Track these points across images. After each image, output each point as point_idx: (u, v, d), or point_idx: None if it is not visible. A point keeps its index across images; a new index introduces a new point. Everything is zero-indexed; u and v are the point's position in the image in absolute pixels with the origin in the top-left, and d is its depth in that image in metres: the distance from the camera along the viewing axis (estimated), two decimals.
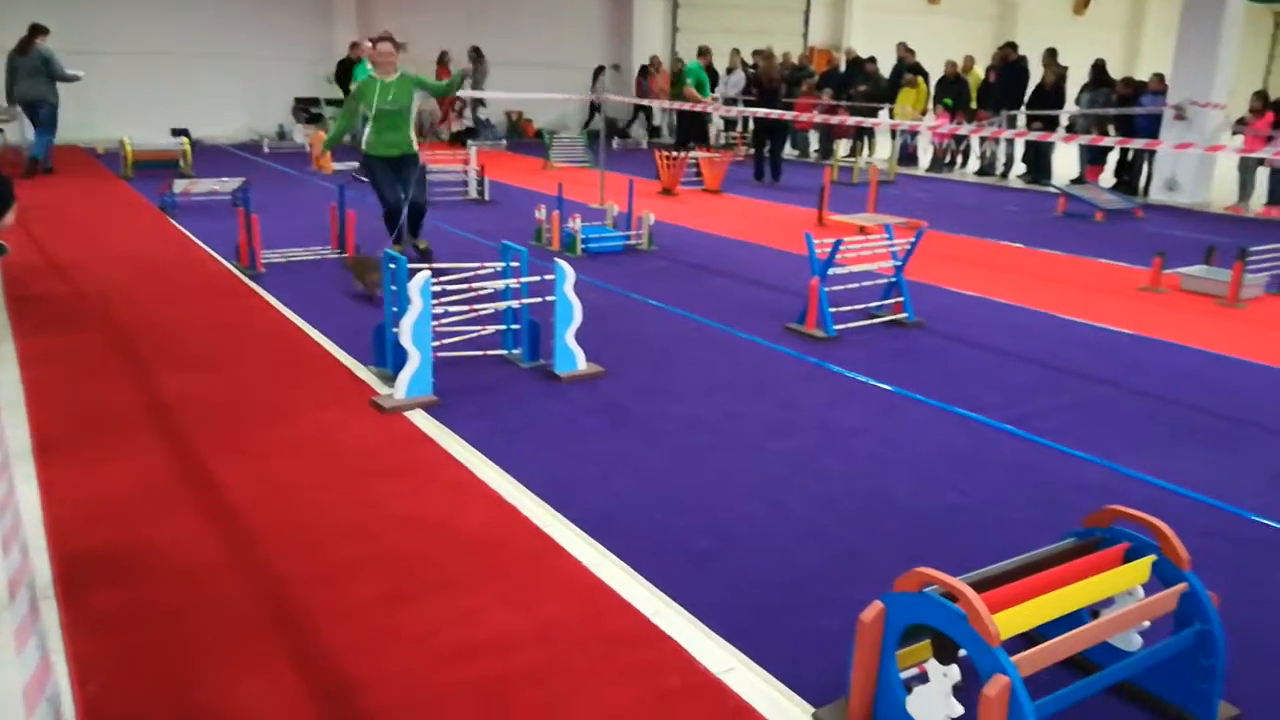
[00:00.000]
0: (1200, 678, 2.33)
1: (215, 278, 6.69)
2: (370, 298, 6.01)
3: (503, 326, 5.05)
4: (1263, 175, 11.88)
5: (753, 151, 13.61)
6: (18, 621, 1.59)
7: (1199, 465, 3.95)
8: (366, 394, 4.47)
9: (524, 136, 18.23)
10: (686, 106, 12.73)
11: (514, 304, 4.92)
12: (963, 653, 2.11)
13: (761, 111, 11.08)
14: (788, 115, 11.49)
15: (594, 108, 18.70)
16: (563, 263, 4.67)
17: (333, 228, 7.43)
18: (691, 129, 15.12)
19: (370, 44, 6.94)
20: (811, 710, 2.37)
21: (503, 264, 4.94)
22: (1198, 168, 12.38)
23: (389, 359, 4.65)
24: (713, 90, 16.39)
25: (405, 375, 4.32)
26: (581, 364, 4.80)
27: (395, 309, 4.51)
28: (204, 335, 5.32)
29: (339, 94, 16.35)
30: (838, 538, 3.27)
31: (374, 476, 3.63)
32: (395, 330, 4.44)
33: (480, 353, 4.97)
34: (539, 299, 4.85)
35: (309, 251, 7.44)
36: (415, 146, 7.07)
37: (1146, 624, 2.41)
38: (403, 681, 2.44)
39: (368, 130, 6.89)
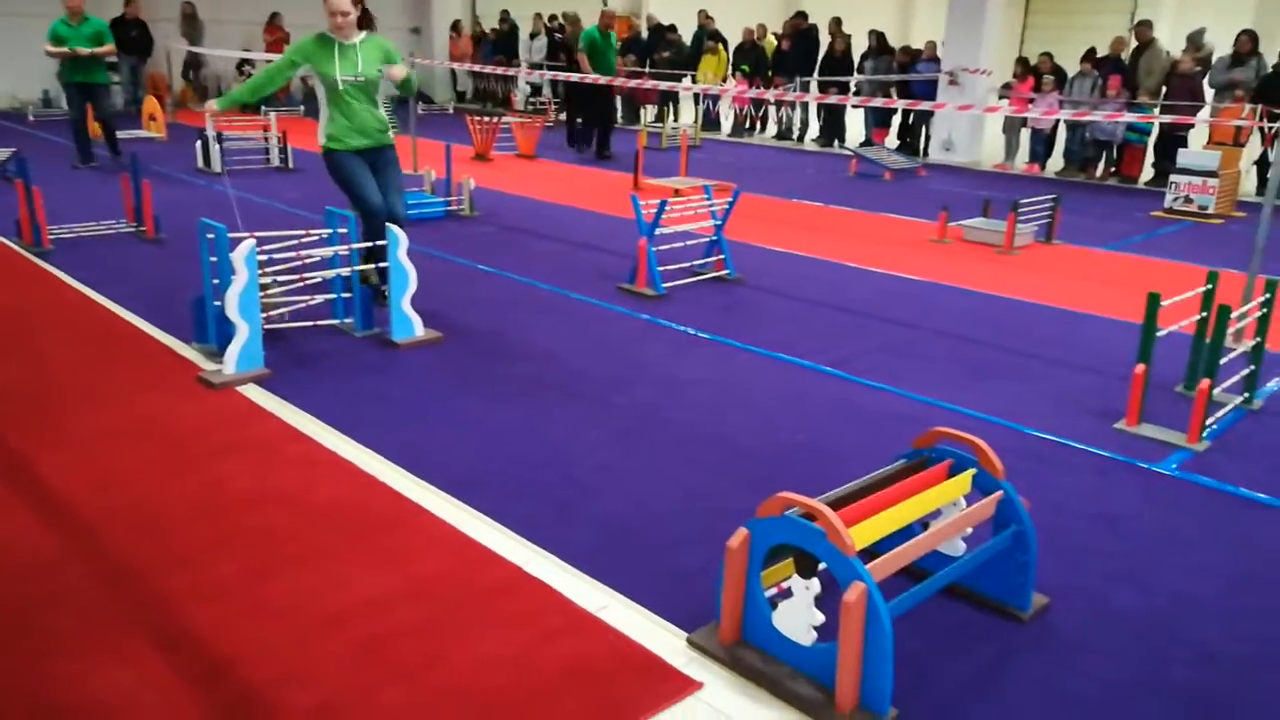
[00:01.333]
0: (1016, 572, 2.67)
1: None
2: None
3: (332, 295, 4.91)
4: (1025, 136, 13.11)
5: (564, 118, 13.60)
6: None
7: (995, 393, 4.42)
8: (191, 371, 4.25)
9: None
10: (493, 70, 12.53)
11: (344, 271, 4.79)
12: (822, 567, 2.32)
13: (575, 77, 11.11)
14: (601, 80, 11.57)
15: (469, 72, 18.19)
16: (395, 228, 4.59)
17: (127, 200, 6.90)
18: (594, 105, 11.93)
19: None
20: (685, 636, 2.53)
21: (329, 231, 4.79)
22: (970, 130, 13.50)
23: (211, 333, 4.44)
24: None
25: (234, 349, 4.14)
26: (419, 330, 4.75)
27: (216, 281, 4.30)
28: None
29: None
30: (688, 479, 3.45)
31: (213, 456, 3.49)
32: (218, 303, 4.24)
33: (310, 323, 4.81)
34: (371, 266, 4.75)
35: (101, 226, 6.88)
36: (392, 136, 5.31)
37: (969, 530, 2.72)
38: (280, 653, 2.40)
39: (325, 116, 5.11)
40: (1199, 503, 3.42)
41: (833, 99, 8.62)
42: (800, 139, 15.58)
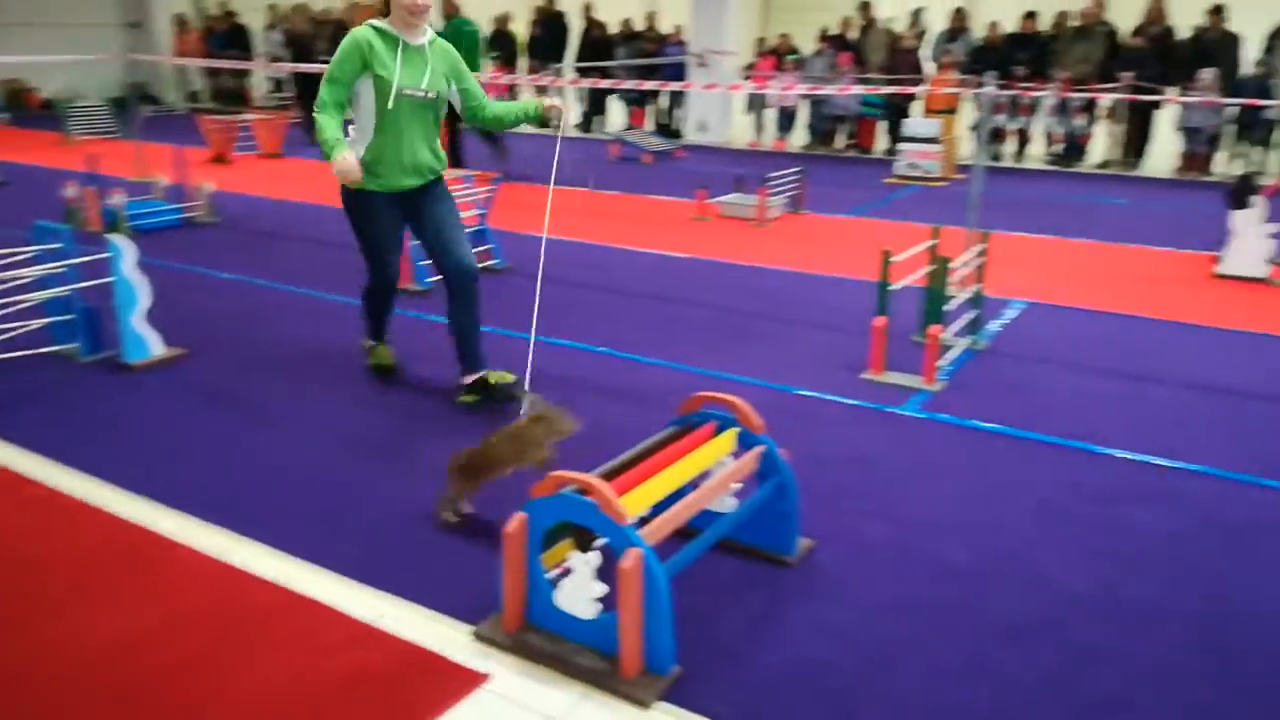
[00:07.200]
0: (781, 521, 2.81)
1: None
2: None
3: (50, 319, 4.42)
4: (770, 114, 13.82)
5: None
6: None
7: (756, 357, 4.63)
8: None
9: (29, 108, 15.68)
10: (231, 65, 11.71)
11: (62, 291, 4.32)
12: (600, 541, 2.34)
13: (316, 68, 10.55)
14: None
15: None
16: (118, 239, 4.19)
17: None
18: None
19: None
20: (471, 629, 2.48)
21: (39, 248, 4.30)
22: (721, 110, 14.08)
23: None
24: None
25: None
26: (158, 348, 4.37)
27: None
28: None
29: None
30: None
31: None
32: None
33: (25, 352, 4.31)
34: (93, 282, 4.31)
35: None
36: (444, 163, 3.97)
37: (738, 486, 2.84)
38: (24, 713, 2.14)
39: (363, 139, 3.69)
40: (939, 437, 3.75)
41: (587, 84, 8.68)
42: (558, 126, 15.61)
